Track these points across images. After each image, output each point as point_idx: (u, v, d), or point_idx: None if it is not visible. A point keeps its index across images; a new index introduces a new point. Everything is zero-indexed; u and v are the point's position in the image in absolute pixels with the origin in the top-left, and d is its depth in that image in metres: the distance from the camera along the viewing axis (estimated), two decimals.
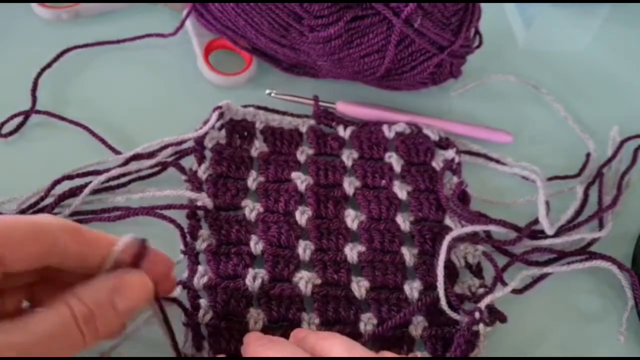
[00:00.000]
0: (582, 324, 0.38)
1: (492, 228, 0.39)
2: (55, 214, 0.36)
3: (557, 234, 0.40)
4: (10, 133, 0.40)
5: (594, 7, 0.56)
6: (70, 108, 0.42)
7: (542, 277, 0.38)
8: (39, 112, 0.41)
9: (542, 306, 0.38)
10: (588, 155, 0.46)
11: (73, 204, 0.37)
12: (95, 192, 0.38)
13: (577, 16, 0.55)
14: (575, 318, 0.39)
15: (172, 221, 0.36)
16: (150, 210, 0.36)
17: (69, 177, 0.37)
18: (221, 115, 0.41)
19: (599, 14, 0.56)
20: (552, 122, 0.48)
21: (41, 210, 0.36)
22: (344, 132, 0.43)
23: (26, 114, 0.41)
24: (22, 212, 0.36)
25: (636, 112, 0.50)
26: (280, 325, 0.34)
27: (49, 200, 0.37)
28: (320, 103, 0.44)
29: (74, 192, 0.37)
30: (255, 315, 0.33)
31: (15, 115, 0.40)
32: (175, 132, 0.40)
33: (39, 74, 0.43)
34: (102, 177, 0.37)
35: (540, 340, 0.37)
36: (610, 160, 0.45)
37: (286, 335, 0.32)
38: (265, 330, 0.33)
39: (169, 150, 0.40)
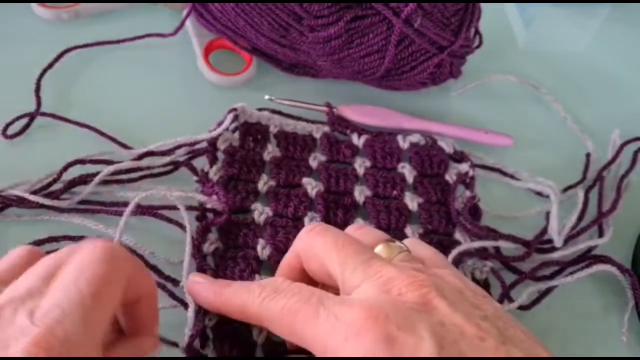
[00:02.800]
0: (582, 324, 0.38)
1: (501, 244, 0.39)
2: (64, 199, 0.36)
3: (565, 244, 0.40)
4: (15, 134, 0.40)
5: (594, 7, 0.56)
6: (71, 108, 0.42)
7: (548, 290, 0.38)
8: (44, 114, 0.41)
9: (542, 307, 0.38)
10: (588, 155, 0.46)
11: (83, 192, 0.37)
12: (105, 182, 0.38)
13: (577, 16, 0.55)
14: (576, 319, 0.39)
15: (179, 225, 0.36)
16: (157, 213, 0.36)
17: (81, 162, 0.38)
18: (235, 118, 0.41)
19: (599, 14, 0.56)
20: (552, 122, 0.48)
21: (50, 195, 0.36)
22: (357, 140, 0.43)
23: (31, 116, 0.41)
24: (34, 193, 0.36)
25: (637, 112, 0.50)
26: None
27: (59, 185, 0.37)
28: (318, 107, 0.44)
29: (84, 179, 0.37)
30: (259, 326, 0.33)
31: (20, 117, 0.40)
32: (175, 132, 0.40)
33: (41, 75, 0.42)
34: (112, 168, 0.37)
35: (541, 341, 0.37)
36: (610, 163, 0.45)
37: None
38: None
39: (182, 150, 0.40)
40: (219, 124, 0.41)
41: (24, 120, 0.40)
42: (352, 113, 0.44)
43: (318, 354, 0.25)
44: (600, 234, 0.41)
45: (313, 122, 0.44)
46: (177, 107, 0.44)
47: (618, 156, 0.45)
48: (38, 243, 0.34)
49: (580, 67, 0.53)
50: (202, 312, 0.32)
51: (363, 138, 0.43)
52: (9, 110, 0.40)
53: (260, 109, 0.43)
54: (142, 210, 0.36)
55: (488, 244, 0.38)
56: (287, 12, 0.41)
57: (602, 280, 0.40)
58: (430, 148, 0.43)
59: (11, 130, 0.40)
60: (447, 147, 0.43)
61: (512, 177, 0.44)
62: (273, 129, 0.42)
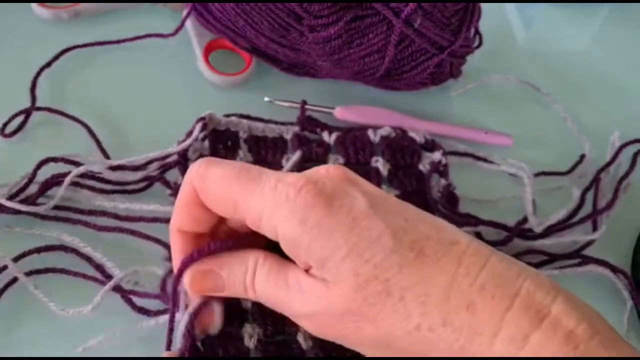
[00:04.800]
0: None
1: (481, 229, 0.39)
2: (39, 204, 0.36)
3: (548, 234, 0.40)
4: (13, 133, 0.40)
5: (594, 7, 0.56)
6: (70, 107, 0.42)
7: None
8: (39, 108, 0.41)
9: None
10: (582, 156, 0.46)
11: (57, 195, 0.36)
12: (79, 186, 0.38)
13: (577, 16, 0.55)
14: None
15: (157, 241, 0.36)
16: (135, 232, 0.36)
17: (53, 160, 0.38)
18: (204, 127, 0.41)
19: (599, 14, 0.56)
20: (551, 123, 0.48)
21: (26, 200, 0.36)
22: (329, 138, 0.43)
23: (27, 112, 0.41)
24: (11, 198, 0.36)
25: (636, 113, 0.50)
26: (276, 339, 0.34)
27: (36, 187, 0.37)
28: (319, 108, 0.44)
29: (56, 180, 0.37)
30: (250, 331, 0.33)
31: (16, 115, 0.40)
32: (175, 132, 0.40)
33: (38, 73, 0.43)
34: (82, 169, 0.37)
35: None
36: (608, 164, 0.45)
37: (282, 352, 0.32)
38: (261, 345, 0.33)
39: (154, 165, 0.40)
40: (188, 134, 0.40)
41: (22, 120, 0.40)
42: (352, 114, 0.44)
43: (253, 219, 0.26)
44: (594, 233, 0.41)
45: (283, 123, 0.43)
46: (177, 107, 0.44)
47: (617, 157, 0.45)
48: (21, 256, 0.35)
49: (580, 67, 0.53)
50: (190, 327, 0.32)
51: (334, 135, 0.43)
52: (9, 111, 0.40)
53: (227, 115, 0.42)
54: (121, 229, 0.37)
55: (468, 230, 0.39)
56: (287, 12, 0.41)
57: (601, 282, 0.40)
58: (401, 139, 0.43)
59: (9, 129, 0.40)
60: (417, 137, 0.43)
61: (485, 160, 0.44)
62: (242, 134, 0.42)
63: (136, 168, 0.39)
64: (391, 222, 0.25)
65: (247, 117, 0.43)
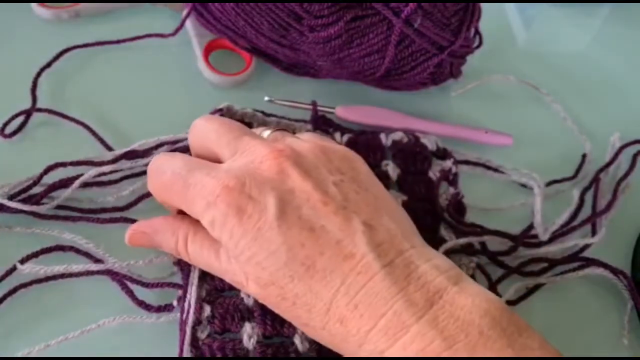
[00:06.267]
0: (581, 327, 0.38)
1: (486, 239, 0.39)
2: (43, 204, 0.36)
3: (551, 239, 0.40)
4: (13, 133, 0.40)
5: (594, 7, 0.56)
6: (70, 107, 0.42)
7: (537, 287, 0.38)
8: (40, 110, 0.41)
9: (539, 310, 0.38)
10: (584, 156, 0.46)
11: (62, 196, 0.37)
12: (87, 185, 0.38)
13: (577, 16, 0.55)
14: (574, 321, 0.39)
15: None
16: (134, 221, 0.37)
17: (62, 165, 0.38)
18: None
19: (599, 14, 0.56)
20: (552, 123, 0.48)
21: (30, 199, 0.36)
22: (340, 139, 0.43)
23: (27, 113, 0.41)
24: (11, 197, 0.36)
25: (636, 113, 0.50)
26: (274, 341, 0.34)
27: (39, 189, 0.37)
28: (319, 108, 0.44)
29: (64, 183, 0.37)
30: (250, 330, 0.33)
31: (16, 115, 0.40)
32: (174, 132, 0.40)
33: (39, 74, 0.43)
34: (93, 172, 0.38)
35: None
36: (608, 165, 0.45)
37: (279, 354, 0.32)
38: (259, 346, 0.33)
39: (165, 149, 0.40)
40: None
41: (22, 120, 0.40)
42: (352, 114, 0.44)
43: (192, 213, 0.30)
44: (594, 235, 0.41)
45: (296, 121, 0.43)
46: (176, 108, 0.44)
47: (617, 158, 0.45)
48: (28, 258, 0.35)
49: (580, 67, 0.53)
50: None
51: (346, 136, 0.43)
52: (8, 111, 0.40)
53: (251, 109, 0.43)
54: (122, 219, 0.37)
55: (474, 239, 0.39)
56: (287, 12, 0.41)
57: (601, 283, 0.40)
58: (413, 145, 0.43)
59: (8, 129, 0.40)
60: (429, 144, 0.43)
61: (496, 170, 0.44)
62: (257, 127, 0.42)
63: (145, 152, 0.39)
64: (292, 235, 0.28)
65: (262, 112, 0.43)
